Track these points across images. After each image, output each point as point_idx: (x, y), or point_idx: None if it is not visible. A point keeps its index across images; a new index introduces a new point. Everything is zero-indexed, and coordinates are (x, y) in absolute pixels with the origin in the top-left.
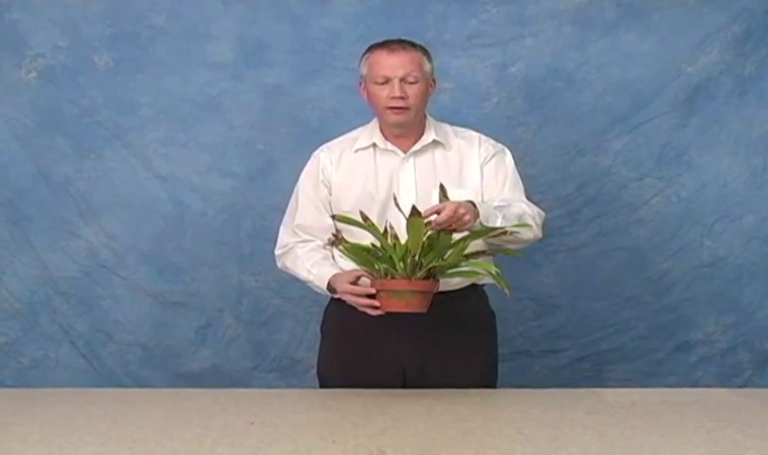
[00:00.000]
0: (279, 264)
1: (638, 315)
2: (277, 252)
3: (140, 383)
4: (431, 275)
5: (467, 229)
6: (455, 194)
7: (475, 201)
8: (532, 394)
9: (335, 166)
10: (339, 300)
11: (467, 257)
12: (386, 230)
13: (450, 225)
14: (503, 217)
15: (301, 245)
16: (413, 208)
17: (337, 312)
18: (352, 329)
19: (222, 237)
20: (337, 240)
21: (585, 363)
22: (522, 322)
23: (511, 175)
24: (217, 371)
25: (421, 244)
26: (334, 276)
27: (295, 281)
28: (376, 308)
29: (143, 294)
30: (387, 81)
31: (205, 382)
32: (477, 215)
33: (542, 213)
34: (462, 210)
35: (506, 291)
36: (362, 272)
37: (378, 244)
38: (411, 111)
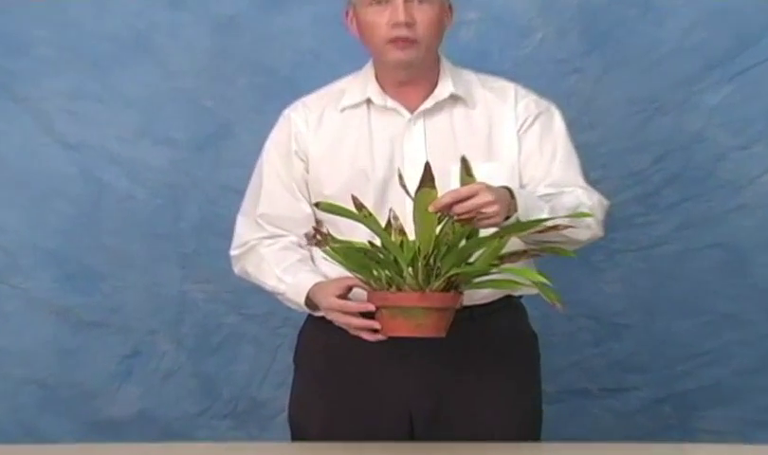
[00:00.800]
0: (236, 269)
1: (740, 339)
2: (233, 252)
3: (38, 436)
4: (452, 285)
5: (495, 225)
6: (483, 171)
7: (513, 188)
8: (590, 450)
9: (313, 131)
10: (322, 319)
11: (502, 259)
12: (389, 222)
13: (474, 215)
14: (551, 210)
15: (268, 242)
16: (426, 170)
17: (317, 336)
18: (339, 359)
19: (156, 230)
20: (319, 237)
21: (665, 407)
22: (577, 349)
23: (562, 147)
24: (148, 417)
25: (434, 240)
26: (315, 286)
27: (259, 291)
28: (375, 331)
29: (44, 310)
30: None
31: (131, 433)
32: (512, 208)
33: (605, 202)
34: (488, 197)
35: (557, 306)
36: (355, 281)
37: (378, 241)
38: (421, 45)
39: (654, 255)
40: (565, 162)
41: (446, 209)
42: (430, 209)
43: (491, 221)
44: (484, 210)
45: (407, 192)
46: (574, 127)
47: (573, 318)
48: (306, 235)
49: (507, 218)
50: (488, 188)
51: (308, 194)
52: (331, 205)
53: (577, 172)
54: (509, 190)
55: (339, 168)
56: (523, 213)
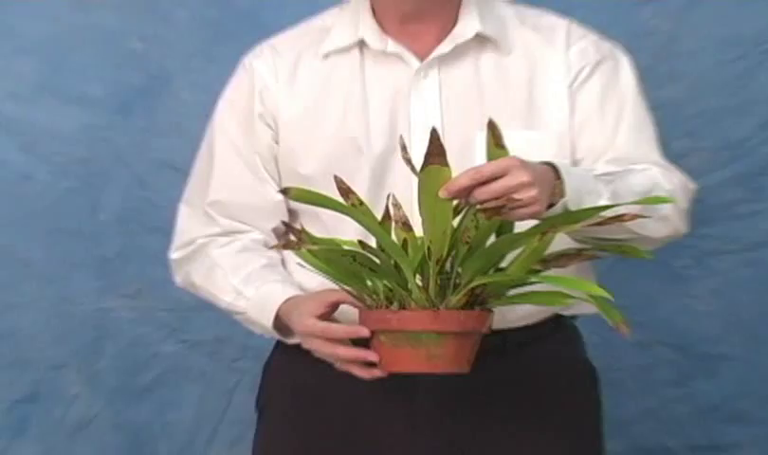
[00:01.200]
0: (178, 278)
1: None
2: (174, 254)
3: None
4: (477, 301)
5: (535, 216)
6: (519, 141)
7: (559, 165)
8: None
9: (285, 85)
10: (297, 348)
11: (545, 264)
12: (388, 213)
13: (504, 203)
14: (613, 195)
15: (223, 241)
16: (433, 137)
17: (290, 372)
18: (320, 405)
19: (64, 224)
20: (292, 235)
21: None
22: (653, 390)
23: (631, 107)
24: None
25: (451, 237)
26: (288, 302)
27: (209, 309)
28: (372, 365)
29: None
30: None
31: None
32: (558, 192)
33: (691, 185)
34: (524, 177)
35: (623, 329)
36: (343, 296)
37: (373, 241)
38: None
39: (763, 258)
40: (635, 129)
41: (463, 195)
42: (442, 193)
43: (529, 210)
44: (517, 196)
45: (413, 170)
46: (648, 80)
47: (647, 346)
48: (275, 232)
49: (551, 206)
50: (523, 164)
51: (278, 174)
52: (306, 191)
53: (652, 142)
54: (554, 167)
55: (321, 137)
56: (574, 199)
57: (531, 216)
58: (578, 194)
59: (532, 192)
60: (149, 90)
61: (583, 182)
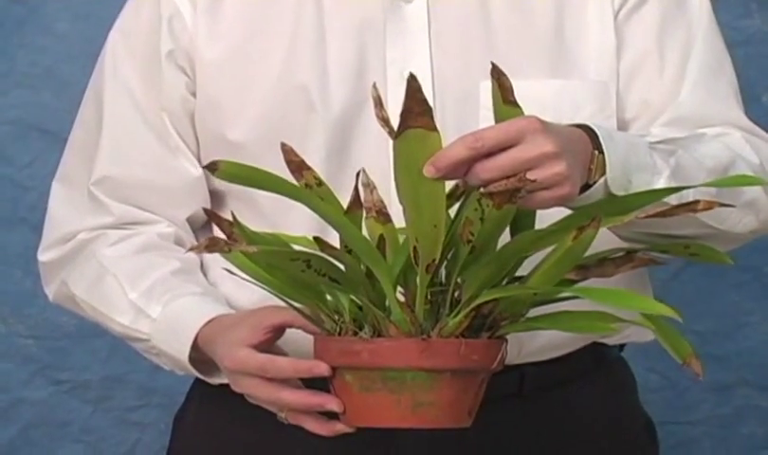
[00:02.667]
0: (50, 290)
1: None
2: (44, 255)
3: None
4: (484, 325)
5: (564, 202)
6: (541, 95)
7: (596, 126)
8: None
9: (205, 12)
10: (225, 392)
11: (583, 272)
12: (355, 198)
13: (515, 185)
14: (675, 172)
15: (115, 235)
16: (410, 87)
17: (214, 427)
18: None
19: None
20: (219, 230)
21: None
22: (739, 450)
23: (702, 47)
24: None
25: (447, 233)
26: (212, 325)
27: (94, 335)
28: (334, 417)
29: None
30: None
31: None
32: (596, 167)
33: None
34: (546, 146)
35: (694, 367)
36: (292, 317)
37: (333, 237)
38: None
39: None
40: (708, 76)
41: (459, 173)
42: (428, 170)
43: (554, 194)
44: (537, 173)
45: (391, 135)
46: (729, 8)
47: (730, 389)
48: (192, 223)
49: (587, 188)
50: (545, 127)
51: (195, 141)
52: (241, 166)
53: (731, 96)
54: (590, 131)
55: (257, 87)
56: (620, 179)
57: (558, 202)
58: (626, 171)
59: (558, 167)
60: (4, 17)
61: (633, 153)
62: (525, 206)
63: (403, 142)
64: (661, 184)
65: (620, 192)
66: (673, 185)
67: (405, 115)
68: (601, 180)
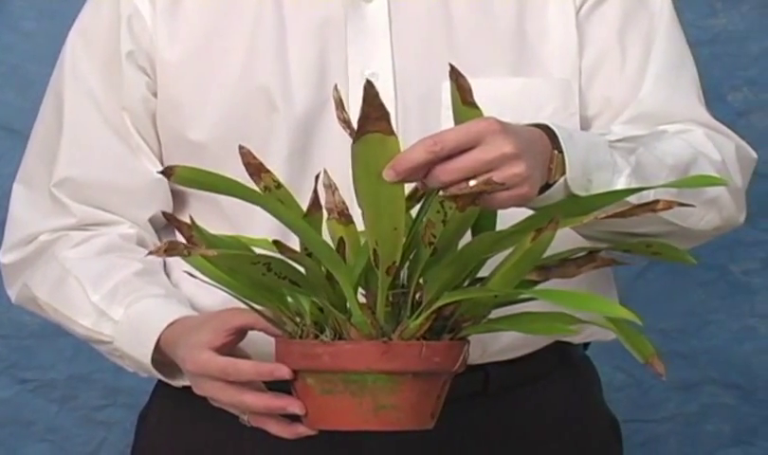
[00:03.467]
0: (12, 291)
1: None
2: (6, 257)
3: None
4: (446, 327)
5: (524, 202)
6: (503, 94)
7: (554, 125)
8: None
9: (165, 10)
10: (187, 394)
11: (544, 273)
12: (315, 200)
13: (479, 189)
14: (636, 170)
15: (77, 237)
16: (367, 91)
17: (177, 429)
18: None
19: None
20: (179, 233)
21: None
22: (703, 448)
23: (665, 43)
24: None
25: (408, 235)
26: (174, 327)
27: (59, 335)
28: (296, 420)
29: None
30: None
31: None
32: (556, 167)
33: (751, 155)
34: (505, 147)
35: (656, 367)
36: (253, 318)
37: (293, 241)
38: None
39: None
40: (669, 72)
41: (419, 175)
42: (387, 174)
43: (513, 194)
44: (497, 174)
45: (353, 136)
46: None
47: (694, 387)
48: (154, 223)
49: (547, 188)
50: (503, 128)
51: (157, 140)
52: (197, 171)
53: (692, 92)
54: (549, 130)
55: (218, 87)
56: (580, 178)
57: (518, 202)
58: (586, 170)
59: (517, 168)
60: None
61: (593, 152)
62: (485, 206)
63: (361, 147)
64: (622, 182)
65: (581, 192)
66: (634, 184)
67: (362, 120)
68: (561, 180)
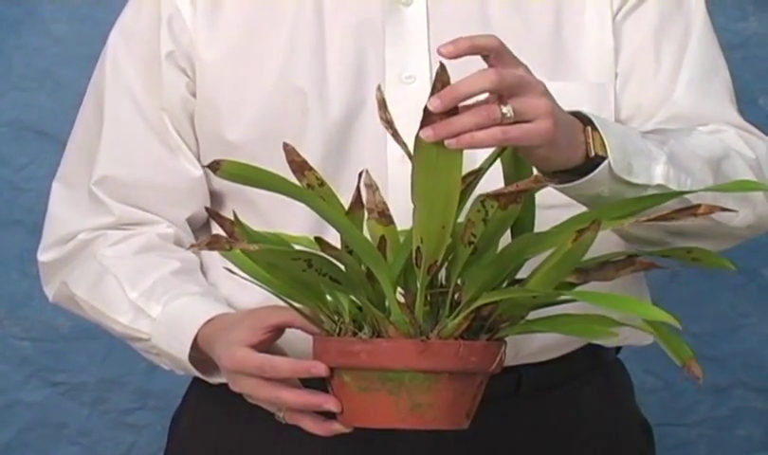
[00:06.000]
0: (50, 291)
1: None
2: (44, 256)
3: None
4: (484, 327)
5: (546, 142)
6: None
7: (587, 112)
8: None
9: (205, 11)
10: (223, 392)
11: (583, 275)
12: (357, 199)
13: (527, 185)
14: (670, 156)
15: (116, 236)
16: (439, 74)
17: (212, 428)
18: None
19: None
20: (221, 229)
21: None
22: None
23: (698, 47)
24: None
25: (452, 233)
26: (211, 324)
27: (90, 337)
28: (332, 417)
29: None
30: None
31: None
32: (595, 144)
33: None
34: (541, 87)
35: (695, 371)
36: (291, 317)
37: (334, 237)
38: None
39: None
40: (703, 76)
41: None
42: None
43: (536, 127)
44: (520, 103)
45: (396, 137)
46: (726, 10)
47: (727, 391)
48: (192, 223)
49: (587, 172)
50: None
51: (195, 141)
52: (244, 166)
53: (726, 95)
54: (585, 118)
55: (256, 86)
56: (620, 161)
57: (539, 139)
58: (625, 154)
59: (543, 102)
60: (0, 19)
61: (628, 139)
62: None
63: (424, 141)
64: (660, 170)
65: (624, 176)
66: (672, 172)
67: (428, 114)
68: (605, 163)
